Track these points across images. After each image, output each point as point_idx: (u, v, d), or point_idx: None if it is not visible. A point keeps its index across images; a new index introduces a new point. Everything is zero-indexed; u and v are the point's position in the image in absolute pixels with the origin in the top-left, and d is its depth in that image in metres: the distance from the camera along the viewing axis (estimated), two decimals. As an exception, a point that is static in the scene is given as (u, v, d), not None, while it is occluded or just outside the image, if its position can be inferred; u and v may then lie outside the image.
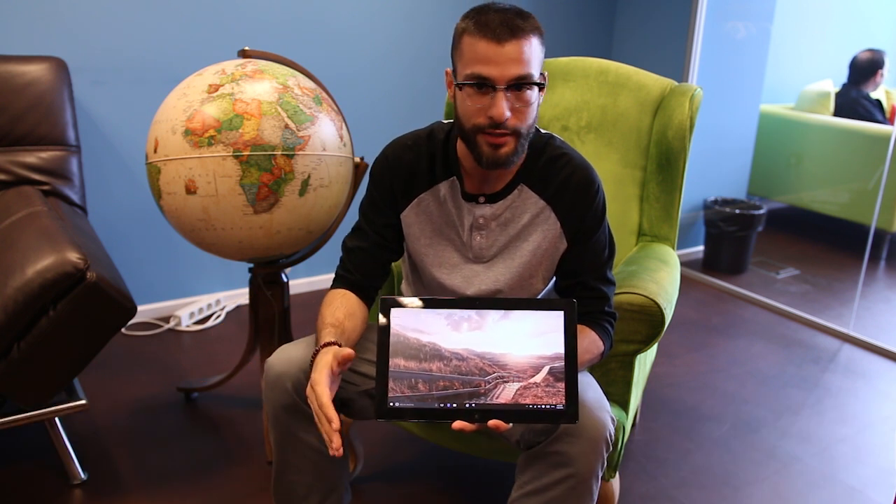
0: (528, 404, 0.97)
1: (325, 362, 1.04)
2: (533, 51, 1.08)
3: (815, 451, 1.89)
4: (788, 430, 1.99)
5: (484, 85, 1.08)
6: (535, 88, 1.10)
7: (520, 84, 1.08)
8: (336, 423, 0.99)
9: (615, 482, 1.40)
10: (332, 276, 1.31)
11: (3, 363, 1.41)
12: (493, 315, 1.00)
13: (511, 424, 0.97)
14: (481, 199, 1.23)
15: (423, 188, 1.25)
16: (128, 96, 2.31)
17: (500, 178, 1.22)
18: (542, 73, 1.12)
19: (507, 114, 1.08)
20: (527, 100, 1.09)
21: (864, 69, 3.60)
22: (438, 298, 1.01)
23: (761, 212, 3.20)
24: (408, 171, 1.25)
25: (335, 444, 0.98)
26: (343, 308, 1.21)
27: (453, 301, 1.02)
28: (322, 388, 1.01)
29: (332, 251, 1.55)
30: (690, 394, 2.17)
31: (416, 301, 1.02)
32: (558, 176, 1.21)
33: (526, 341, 0.99)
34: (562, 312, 1.00)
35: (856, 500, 1.70)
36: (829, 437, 1.97)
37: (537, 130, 1.25)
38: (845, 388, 2.25)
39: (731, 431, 1.98)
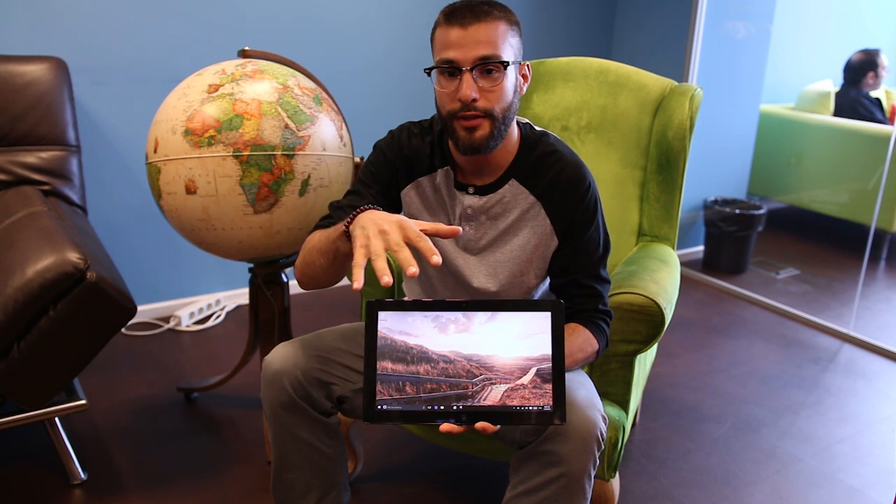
0: (516, 406, 0.97)
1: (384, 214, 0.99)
2: (499, 34, 1.11)
3: (815, 451, 1.89)
4: (788, 430, 1.99)
5: (452, 69, 1.11)
6: (503, 69, 1.12)
7: (486, 64, 1.10)
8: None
9: (615, 482, 1.39)
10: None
11: (3, 363, 1.41)
12: (480, 317, 1.00)
13: (499, 426, 0.97)
14: (471, 190, 1.24)
15: (423, 173, 1.28)
16: (128, 96, 2.31)
17: (492, 170, 1.23)
18: (518, 62, 1.16)
19: (474, 94, 1.10)
20: (494, 80, 1.12)
21: (856, 70, 3.62)
22: (425, 301, 1.01)
23: (761, 212, 3.20)
24: (411, 153, 1.28)
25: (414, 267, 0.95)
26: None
27: (440, 303, 1.02)
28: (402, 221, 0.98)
29: (332, 251, 1.55)
30: (690, 394, 2.17)
31: (402, 303, 1.02)
32: (548, 172, 1.22)
33: (513, 343, 0.99)
34: (549, 314, 0.99)
35: (856, 500, 1.70)
36: (829, 437, 1.97)
37: (532, 128, 1.26)
38: (845, 388, 2.24)
39: (731, 431, 1.98)
